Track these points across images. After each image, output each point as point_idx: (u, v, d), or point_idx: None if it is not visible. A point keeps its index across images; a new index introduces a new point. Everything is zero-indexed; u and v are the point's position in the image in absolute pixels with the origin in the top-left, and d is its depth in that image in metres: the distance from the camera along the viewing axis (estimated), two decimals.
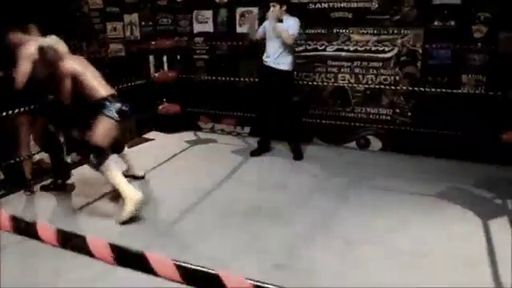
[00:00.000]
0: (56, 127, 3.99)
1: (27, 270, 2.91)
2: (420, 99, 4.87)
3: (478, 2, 4.47)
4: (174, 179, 4.44)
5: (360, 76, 5.12)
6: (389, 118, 5.08)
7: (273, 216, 3.58)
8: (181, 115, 6.09)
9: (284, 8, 4.54)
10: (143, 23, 6.13)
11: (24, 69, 3.54)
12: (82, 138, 3.62)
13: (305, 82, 5.31)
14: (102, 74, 3.75)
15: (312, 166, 4.70)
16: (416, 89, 4.82)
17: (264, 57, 4.74)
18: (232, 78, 5.67)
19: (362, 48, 5.04)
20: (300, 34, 4.88)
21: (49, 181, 4.15)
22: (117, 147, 4.11)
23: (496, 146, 4.46)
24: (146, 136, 5.97)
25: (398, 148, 5.02)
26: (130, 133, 5.64)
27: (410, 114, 4.96)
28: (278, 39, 4.56)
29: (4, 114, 3.68)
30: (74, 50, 3.74)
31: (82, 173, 4.28)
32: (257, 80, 5.14)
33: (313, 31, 5.21)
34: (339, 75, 5.22)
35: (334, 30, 5.12)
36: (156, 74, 6.07)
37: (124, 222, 3.44)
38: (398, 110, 5.02)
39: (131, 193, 3.44)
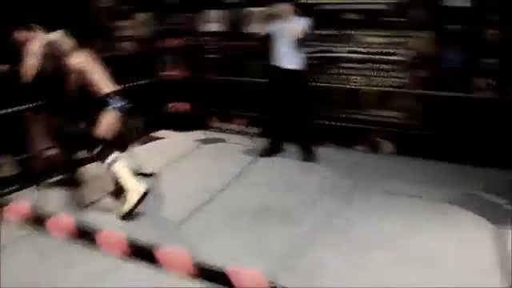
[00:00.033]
0: (64, 122, 4.01)
1: (42, 260, 2.95)
2: (432, 102, 4.83)
3: (488, 5, 4.43)
4: (183, 178, 4.44)
5: (371, 78, 5.10)
6: (400, 120, 5.05)
7: (282, 217, 3.58)
8: (191, 114, 6.10)
9: (293, 7, 4.54)
10: (154, 22, 6.15)
11: (31, 63, 3.60)
12: (87, 132, 3.65)
13: (316, 84, 5.29)
14: (112, 71, 3.77)
15: (323, 167, 4.68)
16: (428, 92, 4.80)
17: (272, 57, 4.73)
18: (243, 78, 5.68)
19: (374, 50, 5.02)
20: (311, 35, 4.86)
21: (60, 176, 4.17)
22: (122, 144, 4.14)
23: (507, 151, 4.42)
24: (156, 134, 5.98)
25: (409, 151, 4.98)
26: (138, 131, 5.66)
27: (421, 117, 4.93)
28: (287, 38, 4.55)
29: (14, 109, 3.73)
30: (85, 47, 3.74)
31: (93, 169, 4.30)
32: (267, 81, 5.14)
33: (325, 32, 5.20)
34: (350, 77, 5.20)
35: (346, 32, 5.11)
36: (166, 73, 6.09)
37: (125, 215, 3.47)
38: (409, 113, 4.99)
39: (134, 185, 3.48)
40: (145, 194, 3.49)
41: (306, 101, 4.81)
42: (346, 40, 5.15)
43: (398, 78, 4.97)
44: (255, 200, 3.89)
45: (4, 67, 4.06)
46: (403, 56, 4.90)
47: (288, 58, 4.62)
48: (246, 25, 5.75)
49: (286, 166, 4.78)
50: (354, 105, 5.27)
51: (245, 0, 5.69)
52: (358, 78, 5.18)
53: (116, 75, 3.81)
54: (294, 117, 4.84)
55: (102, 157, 3.48)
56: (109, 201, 3.83)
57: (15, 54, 3.69)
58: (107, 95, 3.55)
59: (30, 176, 4.12)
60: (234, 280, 2.53)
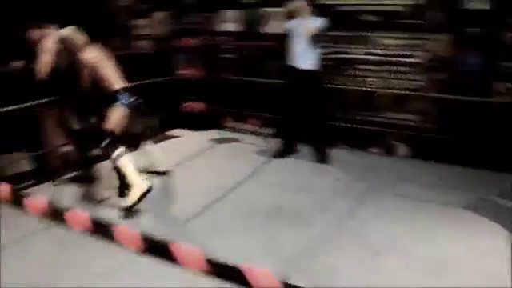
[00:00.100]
0: (76, 117, 4.07)
1: (60, 252, 3.00)
2: (448, 106, 4.77)
3: (507, 8, 4.35)
4: (196, 176, 4.47)
5: (388, 80, 5.06)
6: (415, 124, 4.99)
7: (294, 218, 3.57)
8: (205, 113, 6.13)
9: (309, 5, 4.53)
10: (171, 21, 6.20)
11: (46, 60, 3.69)
12: (98, 127, 3.70)
13: (332, 85, 5.26)
14: (129, 69, 3.82)
15: (336, 169, 4.66)
16: (445, 96, 4.74)
17: (288, 57, 4.72)
18: (258, 79, 5.69)
19: (391, 52, 4.98)
20: (328, 36, 4.86)
21: (75, 172, 4.24)
22: (134, 142, 4.19)
23: None
24: (171, 133, 6.03)
25: (424, 155, 4.93)
26: (152, 130, 5.71)
27: (437, 120, 4.87)
28: (302, 37, 4.54)
29: (28, 104, 3.81)
30: (102, 45, 3.80)
31: (108, 165, 4.35)
32: (283, 81, 5.14)
33: (342, 34, 5.18)
34: (367, 79, 5.17)
35: (363, 34, 5.08)
36: (182, 72, 6.13)
37: (126, 209, 3.51)
38: (425, 117, 4.94)
39: (138, 181, 3.51)
40: (147, 191, 3.53)
41: (320, 102, 4.79)
42: (362, 41, 5.12)
43: (414, 80, 4.92)
44: (267, 200, 3.89)
45: (19, 63, 4.15)
46: (420, 58, 4.85)
47: (303, 57, 4.62)
48: (262, 25, 5.76)
49: (299, 167, 4.78)
50: (369, 107, 5.23)
51: (261, 0, 5.70)
52: (375, 80, 5.14)
53: (132, 73, 3.86)
54: (308, 118, 4.83)
55: (108, 150, 3.53)
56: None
57: (30, 50, 3.77)
58: (117, 91, 3.60)
59: (46, 172, 4.19)
60: (248, 278, 2.53)
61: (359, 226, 3.45)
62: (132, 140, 4.17)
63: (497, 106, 4.51)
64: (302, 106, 4.75)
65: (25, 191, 3.95)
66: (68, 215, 3.32)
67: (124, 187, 3.61)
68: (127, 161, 3.55)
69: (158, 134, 5.78)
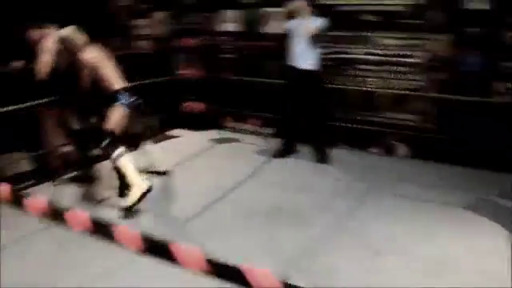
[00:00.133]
0: (76, 117, 4.07)
1: (60, 252, 3.00)
2: (448, 106, 4.77)
3: (507, 7, 4.35)
4: (196, 176, 4.47)
5: (388, 80, 5.06)
6: (415, 124, 4.99)
7: (294, 218, 3.57)
8: (206, 113, 6.13)
9: (309, 5, 4.53)
10: (171, 21, 6.20)
11: (46, 60, 3.70)
12: (98, 127, 3.70)
13: (332, 85, 5.26)
14: (129, 69, 3.82)
15: (336, 169, 4.66)
16: (445, 96, 4.74)
17: (288, 57, 4.72)
18: (258, 79, 5.70)
19: (391, 52, 4.98)
20: (328, 36, 4.85)
21: (75, 172, 4.23)
22: (134, 142, 4.19)
23: None
24: (171, 133, 6.03)
25: (424, 155, 4.93)
26: (152, 130, 5.71)
27: (437, 120, 4.87)
28: (302, 37, 4.54)
29: (28, 104, 3.81)
30: (101, 44, 3.81)
31: (108, 165, 4.35)
32: (283, 81, 5.14)
33: (342, 34, 5.18)
34: (367, 79, 5.17)
35: (363, 34, 5.08)
36: (182, 72, 6.13)
37: (126, 209, 3.51)
38: (425, 117, 4.94)
39: (139, 181, 3.51)
40: (147, 191, 3.52)
41: (320, 102, 4.79)
42: (362, 41, 5.12)
43: (414, 80, 4.92)
44: (267, 200, 3.89)
45: (19, 63, 4.15)
46: (420, 58, 4.85)
47: (303, 57, 4.62)
48: (262, 25, 5.76)
49: (299, 167, 4.78)
50: (369, 107, 5.23)
51: (261, 0, 5.70)
52: (375, 80, 5.14)
53: (132, 73, 3.86)
54: (308, 118, 4.83)
55: (108, 150, 3.53)
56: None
57: (30, 50, 3.77)
58: (117, 91, 3.61)
59: (46, 172, 4.19)
60: (248, 277, 2.53)
61: (359, 225, 3.45)
62: (132, 140, 4.17)
63: (497, 105, 4.51)
64: (301, 106, 4.75)
65: (25, 191, 3.95)
66: (68, 215, 3.32)
67: (124, 187, 3.61)
68: (127, 161, 3.55)
69: (158, 133, 5.78)
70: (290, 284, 2.47)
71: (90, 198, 3.89)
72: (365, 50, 5.13)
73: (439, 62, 4.77)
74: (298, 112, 4.81)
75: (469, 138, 4.60)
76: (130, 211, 3.53)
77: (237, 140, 5.79)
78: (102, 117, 3.59)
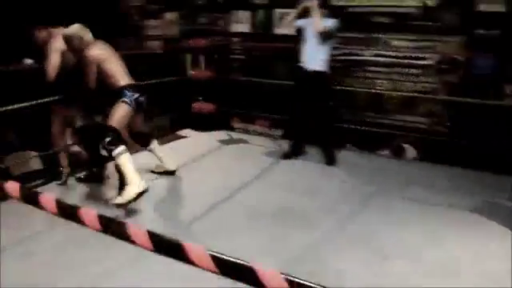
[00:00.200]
0: (84, 115, 4.10)
1: (61, 252, 3.02)
2: (459, 108, 4.73)
3: None
4: (204, 177, 4.48)
5: (398, 82, 5.02)
6: (425, 126, 4.95)
7: (300, 220, 3.56)
8: (215, 114, 6.14)
9: (320, 5, 4.52)
10: (182, 21, 6.23)
11: (54, 61, 3.74)
12: (103, 125, 3.72)
13: (341, 87, 5.24)
14: (139, 69, 3.84)
15: (344, 171, 4.63)
16: (456, 98, 4.69)
17: (300, 59, 4.71)
18: (267, 80, 5.69)
19: (402, 54, 4.95)
20: (339, 37, 4.83)
21: (85, 172, 4.27)
22: (143, 141, 4.21)
23: None
24: (181, 133, 6.05)
25: (433, 158, 4.88)
26: (162, 129, 5.74)
27: (447, 123, 4.82)
28: (314, 37, 4.53)
29: (33, 102, 3.85)
30: (114, 45, 3.84)
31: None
32: (292, 82, 5.13)
33: (353, 35, 5.15)
34: (376, 81, 5.14)
35: (374, 35, 5.06)
36: (192, 72, 6.15)
37: (120, 205, 3.49)
38: (435, 119, 4.89)
39: (137, 181, 3.50)
40: (143, 192, 3.51)
41: (329, 103, 4.77)
42: (373, 43, 5.10)
43: (425, 82, 4.88)
44: (274, 201, 3.88)
45: (29, 62, 4.20)
46: (431, 60, 4.80)
47: (312, 58, 4.60)
48: (273, 26, 5.76)
49: (307, 168, 4.76)
50: (379, 109, 5.20)
51: (273, 1, 5.70)
52: (385, 82, 5.11)
53: (143, 73, 3.88)
54: (317, 119, 4.81)
55: (109, 147, 3.53)
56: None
57: (39, 50, 3.82)
58: (123, 87, 3.63)
59: (55, 171, 4.22)
60: (255, 277, 2.51)
61: (366, 228, 3.42)
62: (141, 139, 4.19)
63: (508, 108, 4.45)
64: (310, 108, 4.73)
65: (33, 190, 3.98)
66: (76, 214, 3.33)
67: (122, 185, 3.62)
68: (127, 159, 3.56)
69: (167, 133, 5.81)
70: (299, 282, 2.46)
71: (98, 197, 3.91)
72: (375, 52, 5.10)
73: (450, 64, 4.72)
74: (307, 113, 4.79)
75: (479, 141, 4.55)
76: (124, 208, 3.50)
77: (245, 141, 5.79)
78: (107, 115, 3.61)
